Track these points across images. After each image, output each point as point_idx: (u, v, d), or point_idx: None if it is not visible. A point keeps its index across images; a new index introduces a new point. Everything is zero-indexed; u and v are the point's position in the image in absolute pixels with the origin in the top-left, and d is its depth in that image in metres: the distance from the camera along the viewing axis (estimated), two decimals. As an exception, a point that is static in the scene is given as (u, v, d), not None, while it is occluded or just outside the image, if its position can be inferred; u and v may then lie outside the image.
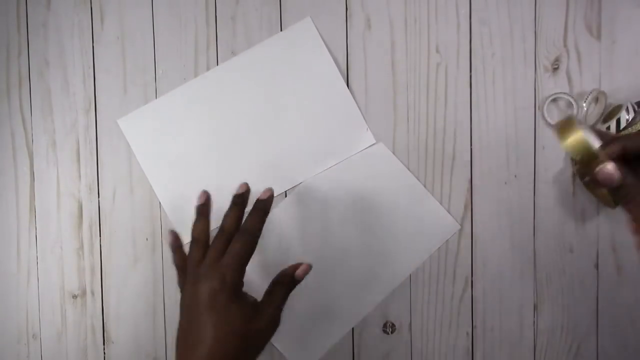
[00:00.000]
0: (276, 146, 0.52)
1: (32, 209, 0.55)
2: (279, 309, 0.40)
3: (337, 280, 0.51)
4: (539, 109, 0.50)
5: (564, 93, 0.49)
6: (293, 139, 0.51)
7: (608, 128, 0.46)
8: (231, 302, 0.37)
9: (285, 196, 0.52)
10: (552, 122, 0.49)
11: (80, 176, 0.54)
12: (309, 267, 0.42)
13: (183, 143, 0.52)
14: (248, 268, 0.40)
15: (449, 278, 0.51)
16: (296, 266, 0.42)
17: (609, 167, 0.30)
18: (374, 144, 0.51)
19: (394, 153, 0.51)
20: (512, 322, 0.50)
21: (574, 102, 0.48)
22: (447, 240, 0.51)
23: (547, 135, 0.50)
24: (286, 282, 0.41)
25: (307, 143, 0.51)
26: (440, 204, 0.50)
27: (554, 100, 0.49)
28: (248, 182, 0.45)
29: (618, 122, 0.46)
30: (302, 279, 0.42)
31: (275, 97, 0.52)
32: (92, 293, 0.54)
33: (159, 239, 0.53)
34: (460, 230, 0.51)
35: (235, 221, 0.41)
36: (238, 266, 0.39)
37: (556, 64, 0.49)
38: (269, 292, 0.41)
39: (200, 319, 0.37)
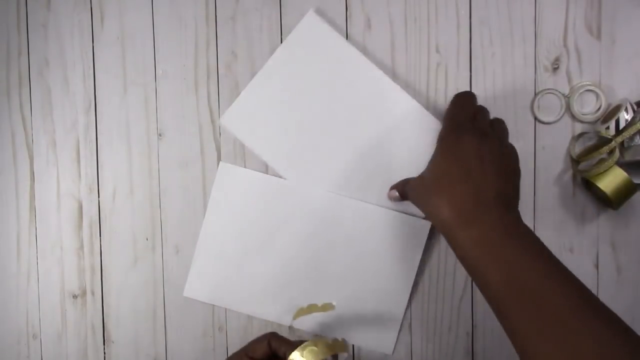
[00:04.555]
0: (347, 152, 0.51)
1: (32, 209, 0.55)
2: None
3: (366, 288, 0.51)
4: (537, 108, 0.50)
5: (553, 89, 0.49)
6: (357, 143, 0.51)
7: (607, 128, 0.46)
8: None
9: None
10: (543, 118, 0.49)
11: (80, 176, 0.54)
12: None
13: (290, 119, 0.52)
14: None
15: (449, 278, 0.51)
16: None
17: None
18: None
19: (394, 153, 0.51)
20: (512, 322, 0.50)
21: (562, 98, 0.48)
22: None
23: (547, 135, 0.50)
24: None
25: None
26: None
27: (544, 96, 0.49)
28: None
29: (617, 122, 0.46)
30: None
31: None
32: (92, 293, 0.54)
33: (159, 239, 0.53)
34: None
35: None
36: None
37: (556, 64, 0.49)
38: None
39: None
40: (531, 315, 0.34)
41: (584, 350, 0.32)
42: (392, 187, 0.49)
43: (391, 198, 0.49)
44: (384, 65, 0.51)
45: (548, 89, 0.49)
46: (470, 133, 0.41)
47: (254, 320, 0.53)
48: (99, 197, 0.54)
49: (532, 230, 0.50)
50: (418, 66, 0.51)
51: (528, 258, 0.36)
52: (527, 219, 0.50)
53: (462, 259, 0.39)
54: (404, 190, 0.47)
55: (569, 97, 0.49)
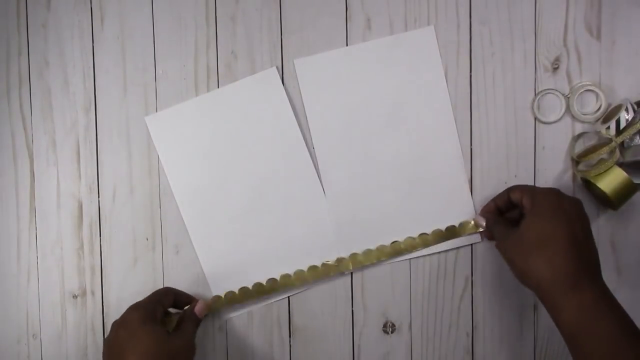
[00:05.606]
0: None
1: (32, 209, 0.55)
2: (189, 339, 0.46)
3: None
4: (537, 108, 0.50)
5: (553, 89, 0.49)
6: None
7: (607, 128, 0.46)
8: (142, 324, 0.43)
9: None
10: (543, 118, 0.49)
11: (80, 176, 0.54)
12: (205, 305, 0.49)
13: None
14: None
15: (449, 278, 0.51)
16: (194, 305, 0.49)
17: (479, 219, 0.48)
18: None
19: (394, 153, 0.51)
20: (512, 322, 0.50)
21: (562, 98, 0.48)
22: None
23: (547, 135, 0.50)
24: (193, 318, 0.48)
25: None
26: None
27: (544, 96, 0.49)
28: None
29: (618, 122, 0.46)
30: (202, 315, 0.49)
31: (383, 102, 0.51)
32: (92, 293, 0.54)
33: (159, 239, 0.53)
34: (460, 230, 0.50)
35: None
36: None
37: (556, 64, 0.49)
38: (178, 324, 0.47)
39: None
40: None
41: None
42: (482, 214, 0.48)
43: (478, 225, 0.49)
44: (384, 65, 0.51)
45: (548, 89, 0.49)
46: (570, 197, 0.42)
47: (255, 317, 0.53)
48: (99, 197, 0.54)
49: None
50: (418, 66, 0.51)
51: (629, 335, 0.36)
52: (527, 219, 0.50)
53: (561, 322, 0.38)
54: (492, 230, 0.46)
55: (569, 97, 0.49)
